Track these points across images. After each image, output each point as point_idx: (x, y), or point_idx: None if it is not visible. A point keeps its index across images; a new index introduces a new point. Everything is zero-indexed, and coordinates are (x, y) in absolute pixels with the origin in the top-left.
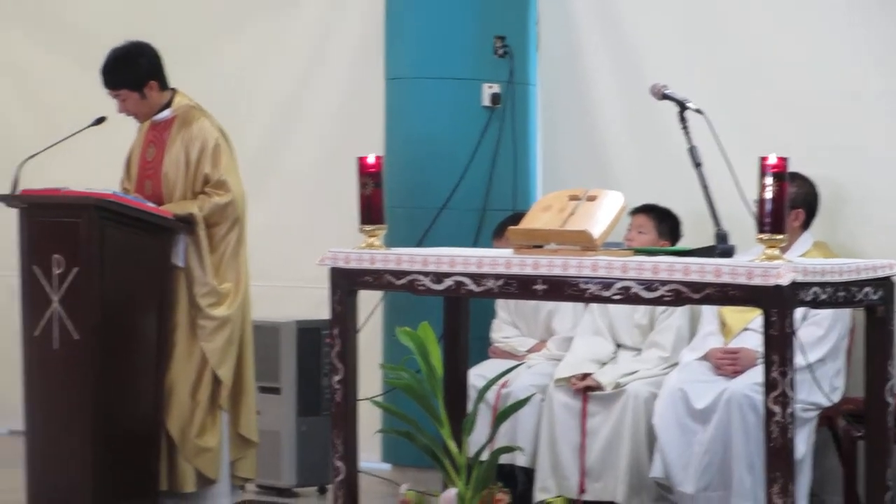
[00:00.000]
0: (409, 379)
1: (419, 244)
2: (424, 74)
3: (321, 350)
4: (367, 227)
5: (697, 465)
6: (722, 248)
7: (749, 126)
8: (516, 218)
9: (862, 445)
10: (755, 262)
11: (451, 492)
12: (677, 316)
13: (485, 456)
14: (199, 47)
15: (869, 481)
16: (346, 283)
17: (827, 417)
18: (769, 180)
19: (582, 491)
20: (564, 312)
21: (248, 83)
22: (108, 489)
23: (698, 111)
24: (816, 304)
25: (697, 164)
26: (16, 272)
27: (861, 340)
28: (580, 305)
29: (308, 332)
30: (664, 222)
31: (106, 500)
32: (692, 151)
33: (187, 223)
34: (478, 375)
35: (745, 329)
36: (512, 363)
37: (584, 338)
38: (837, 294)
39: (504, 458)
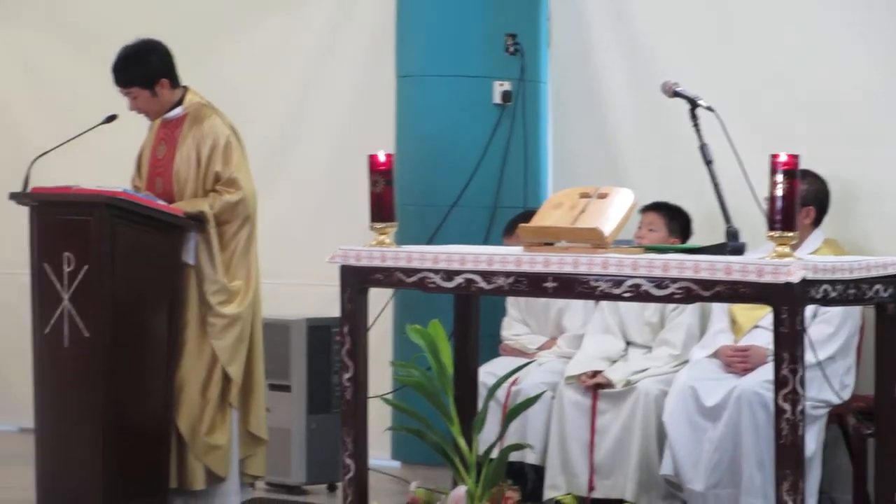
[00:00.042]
0: (420, 376)
1: (430, 242)
2: (435, 72)
3: (331, 348)
4: (378, 225)
5: (707, 462)
6: (732, 245)
7: (760, 123)
8: (527, 215)
9: (872, 443)
10: (766, 259)
11: (461, 489)
12: (688, 314)
13: (495, 453)
14: (210, 45)
15: (878, 479)
16: (356, 280)
17: (837, 415)
18: (780, 178)
19: (591, 488)
20: (575, 310)
21: (259, 81)
22: (118, 486)
23: (709, 109)
24: (827, 301)
25: (708, 162)
26: (26, 270)
27: (871, 338)
28: (590, 303)
29: (318, 330)
30: (674, 220)
31: (115, 498)
32: (703, 149)
33: (198, 221)
34: (488, 373)
35: (756, 327)
36: (522, 361)
37: (594, 336)
38: (848, 291)
39: (514, 456)
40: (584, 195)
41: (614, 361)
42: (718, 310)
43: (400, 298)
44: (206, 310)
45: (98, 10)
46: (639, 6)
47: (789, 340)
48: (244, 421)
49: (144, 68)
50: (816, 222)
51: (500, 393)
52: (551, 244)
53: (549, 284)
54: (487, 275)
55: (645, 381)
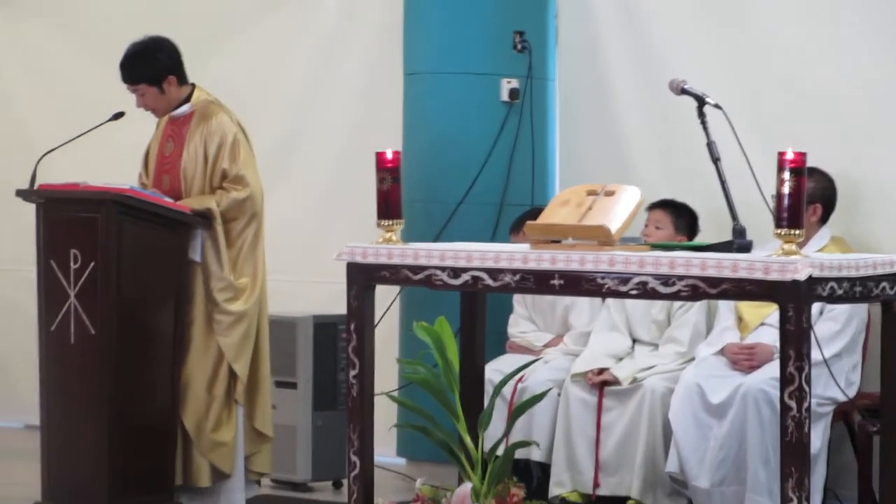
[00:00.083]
0: (426, 374)
1: (436, 239)
2: (443, 69)
3: (337, 345)
4: (385, 222)
5: (712, 459)
6: (739, 243)
7: (767, 121)
8: (534, 213)
9: (877, 440)
10: (772, 257)
11: (467, 486)
12: (694, 311)
13: (500, 450)
14: (218, 42)
15: (884, 476)
16: (363, 277)
17: (842, 412)
18: (787, 175)
19: (597, 485)
20: (581, 307)
21: (267, 78)
22: (123, 483)
23: (717, 106)
24: (833, 299)
25: (716, 160)
26: (33, 267)
27: (877, 335)
28: (597, 301)
29: (324, 327)
30: (681, 217)
31: (121, 495)
32: (710, 146)
33: (205, 218)
34: (494, 370)
35: (762, 324)
36: (529, 358)
37: (601, 333)
38: (854, 289)
39: (520, 453)
40: (592, 192)
41: (621, 359)
42: (725, 307)
43: (406, 295)
44: (213, 307)
45: (105, 7)
46: (647, 4)
47: (795, 338)
48: (250, 418)
49: (152, 65)
50: (823, 220)
51: (506, 390)
52: (558, 241)
53: (556, 282)
54: (494, 272)
55: (651, 378)
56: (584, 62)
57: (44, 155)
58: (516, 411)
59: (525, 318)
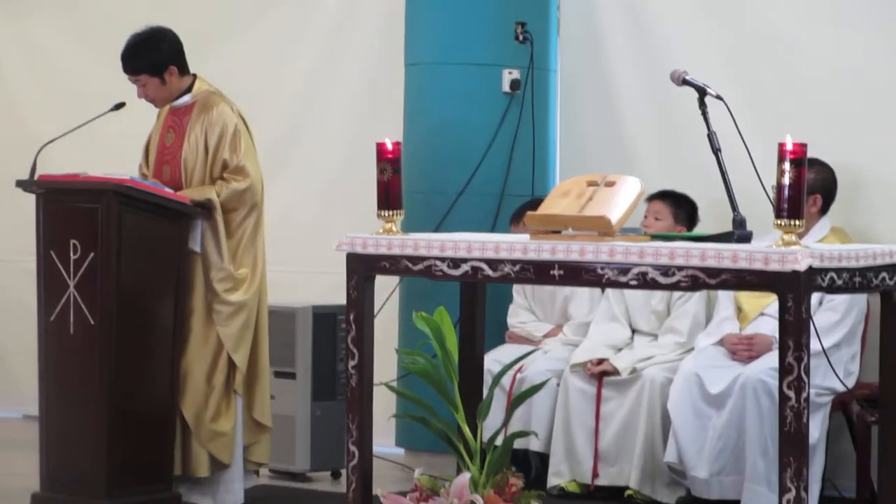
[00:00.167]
0: (425, 364)
1: (437, 230)
2: (444, 60)
3: (336, 335)
4: (385, 213)
5: (711, 449)
6: (739, 233)
7: (768, 112)
8: (534, 203)
9: (876, 430)
10: (772, 247)
11: (465, 476)
12: (694, 301)
13: (499, 441)
14: (220, 33)
15: (882, 466)
16: (362, 268)
17: (841, 402)
18: (787, 166)
19: (595, 475)
20: (581, 298)
21: (268, 69)
22: (122, 473)
23: (718, 97)
24: (832, 289)
25: (716, 150)
26: (33, 258)
27: (876, 325)
28: (597, 291)
29: (324, 318)
30: (681, 208)
31: (120, 485)
32: (711, 137)
33: (205, 209)
34: (494, 360)
35: (761, 314)
36: (528, 348)
37: (600, 324)
38: (853, 279)
39: (518, 443)
40: (592, 183)
41: (620, 349)
42: (724, 298)
43: (406, 286)
44: (213, 297)
45: (106, 0)
46: None
47: (795, 328)
48: (249, 408)
49: (153, 55)
50: (823, 210)
51: (506, 380)
52: (558, 232)
53: (556, 272)
54: (494, 262)
55: (651, 368)
56: (586, 53)
57: (44, 145)
58: (515, 401)
59: (525, 309)
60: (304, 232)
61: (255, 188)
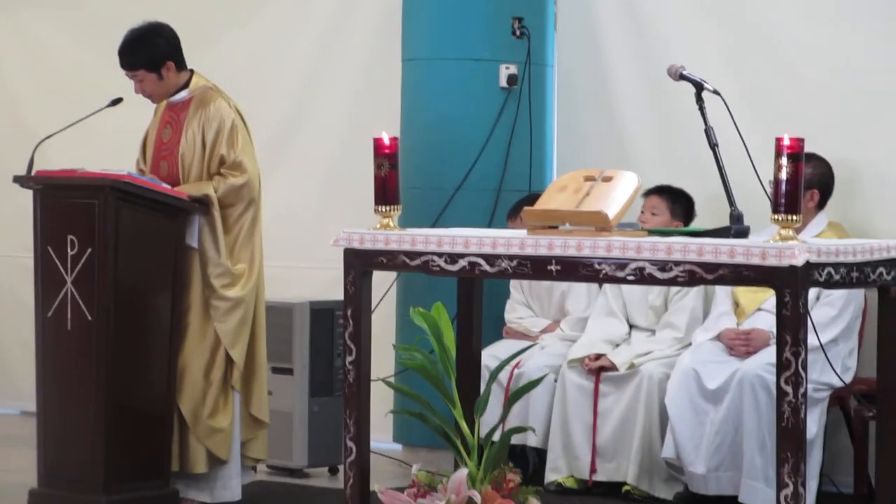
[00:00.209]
0: (422, 359)
1: (434, 225)
2: (441, 55)
3: (334, 331)
4: (382, 208)
5: (709, 445)
6: (737, 228)
7: (765, 107)
8: (532, 199)
9: (873, 426)
10: (769, 242)
11: (463, 472)
12: (691, 297)
13: (496, 436)
14: (217, 28)
15: (880, 461)
16: (360, 263)
17: (838, 397)
18: (784, 161)
19: (593, 471)
20: (578, 293)
21: (265, 64)
22: (120, 469)
23: (715, 92)
24: (830, 284)
25: (713, 145)
26: (30, 253)
27: (874, 320)
28: (594, 286)
29: (321, 313)
30: (677, 203)
31: (117, 481)
32: (708, 132)
33: (202, 204)
34: (491, 356)
35: (759, 309)
36: (525, 344)
37: (597, 319)
38: (851, 274)
39: (516, 439)
40: (589, 178)
41: (617, 345)
42: (722, 293)
43: (403, 281)
44: (210, 293)
45: None
46: None
47: (792, 323)
48: (246, 404)
49: (151, 51)
50: (820, 205)
51: (503, 376)
52: (555, 227)
53: (553, 267)
54: (491, 258)
55: (648, 364)
56: (583, 48)
57: (41, 141)
58: (513, 397)
59: (522, 304)
60: (302, 227)
61: (253, 184)
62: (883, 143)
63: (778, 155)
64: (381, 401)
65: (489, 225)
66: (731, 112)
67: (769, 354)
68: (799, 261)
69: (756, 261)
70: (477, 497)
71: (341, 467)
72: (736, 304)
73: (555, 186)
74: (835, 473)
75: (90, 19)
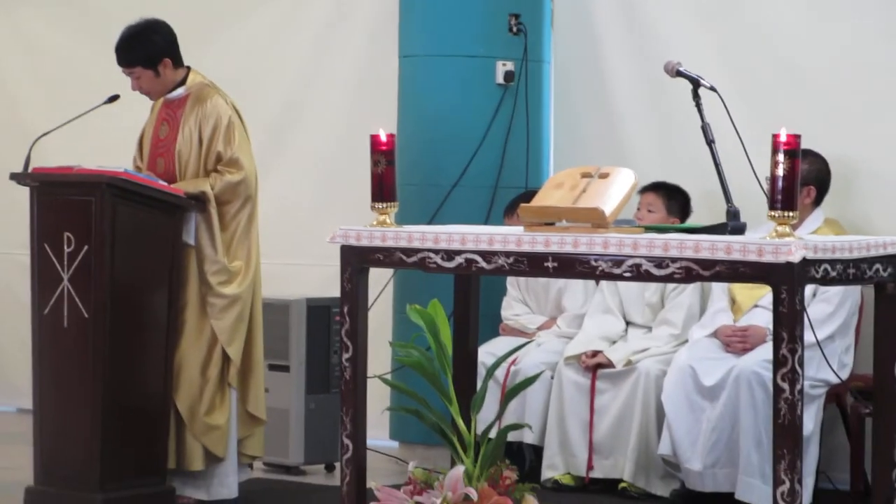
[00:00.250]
0: (419, 356)
1: (431, 222)
2: (438, 52)
3: (331, 328)
4: (379, 205)
5: (705, 442)
6: (733, 225)
7: (762, 103)
8: (528, 195)
9: (870, 422)
10: (766, 239)
11: (459, 469)
12: (688, 293)
13: (493, 433)
14: (214, 25)
15: (876, 458)
16: (356, 260)
17: (835, 394)
18: (781, 157)
19: (590, 468)
20: (575, 290)
21: (262, 61)
22: (117, 467)
23: (712, 89)
24: (826, 280)
25: (710, 142)
26: (26, 250)
27: (870, 317)
28: (591, 283)
29: (318, 310)
30: (673, 199)
31: (114, 478)
32: (705, 129)
33: (199, 201)
34: (487, 353)
35: (755, 306)
36: (522, 341)
37: (594, 316)
38: (847, 271)
39: (512, 436)
40: (586, 175)
41: (614, 342)
42: (718, 289)
43: (400, 278)
44: (207, 290)
45: None
46: None
47: (788, 320)
48: (243, 401)
49: (147, 48)
50: (817, 202)
51: (499, 373)
52: (552, 224)
53: (550, 264)
54: (488, 255)
55: (645, 360)
56: (580, 45)
57: (38, 138)
58: (509, 394)
59: (518, 301)
60: (299, 224)
61: (250, 180)
62: (880, 139)
63: (774, 151)
64: (378, 398)
65: (486, 222)
66: (727, 108)
67: (766, 351)
68: (795, 257)
69: (752, 257)
70: (473, 494)
71: (338, 464)
72: (732, 301)
73: (551, 183)
74: (831, 470)
75: (87, 17)
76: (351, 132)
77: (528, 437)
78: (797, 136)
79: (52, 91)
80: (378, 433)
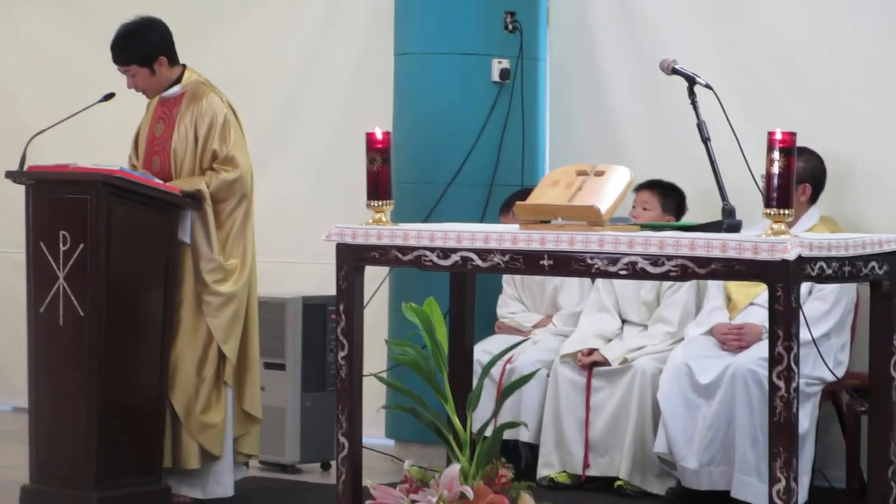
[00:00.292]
0: (415, 355)
1: (426, 220)
2: (434, 50)
3: (326, 326)
4: (375, 203)
5: (701, 439)
6: (729, 223)
7: (758, 101)
8: (524, 193)
9: (865, 420)
10: (761, 236)
11: (455, 467)
12: (683, 291)
13: (489, 431)
14: (209, 23)
15: (872, 456)
16: (352, 258)
17: (831, 392)
18: (777, 155)
19: (586, 466)
20: (570, 288)
21: (258, 59)
22: (112, 465)
23: (707, 86)
24: (822, 278)
25: (706, 139)
26: (22, 249)
27: (866, 315)
28: (586, 281)
29: (313, 308)
30: (668, 197)
31: (109, 477)
32: (700, 126)
33: (195, 199)
34: (483, 351)
35: (751, 304)
36: (518, 339)
37: (590, 314)
38: (843, 269)
39: (508, 434)
40: (581, 173)
41: (610, 340)
42: (714, 287)
43: (396, 276)
44: (202, 288)
45: None
46: None
47: (784, 317)
48: (239, 399)
49: (143, 46)
50: (813, 199)
51: (495, 371)
52: (548, 222)
53: (545, 262)
54: (483, 253)
55: (641, 358)
56: (576, 42)
57: (33, 136)
58: (505, 392)
59: (514, 299)
60: (294, 222)
61: (245, 179)
62: (875, 137)
63: (770, 149)
64: (374, 396)
65: (481, 219)
66: (723, 106)
67: (761, 349)
68: (791, 255)
69: (748, 255)
70: (469, 492)
71: (333, 463)
72: (728, 299)
73: (547, 181)
74: (827, 468)
75: (87, 16)
76: (347, 130)
77: (524, 435)
78: (793, 134)
79: (51, 91)
80: (374, 431)
